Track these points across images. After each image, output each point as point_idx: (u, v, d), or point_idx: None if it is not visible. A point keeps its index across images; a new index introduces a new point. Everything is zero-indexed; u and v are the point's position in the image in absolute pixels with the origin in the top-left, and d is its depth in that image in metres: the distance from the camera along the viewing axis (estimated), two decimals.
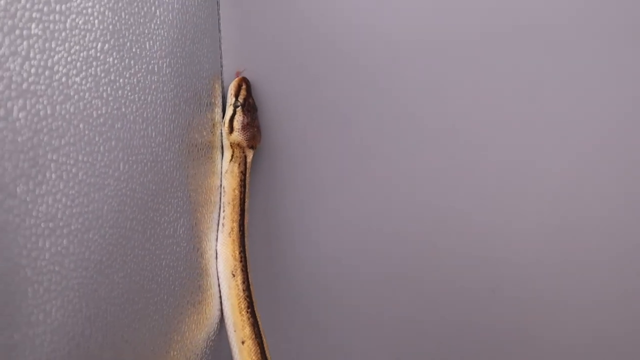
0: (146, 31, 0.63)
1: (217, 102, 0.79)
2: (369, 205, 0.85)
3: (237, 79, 0.78)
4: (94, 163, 0.55)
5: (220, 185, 0.77)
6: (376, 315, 0.89)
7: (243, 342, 0.74)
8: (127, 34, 0.60)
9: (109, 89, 0.57)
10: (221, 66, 0.81)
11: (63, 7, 0.51)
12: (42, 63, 0.49)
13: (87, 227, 0.54)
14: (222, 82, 0.81)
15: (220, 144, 0.79)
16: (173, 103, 0.68)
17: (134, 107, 0.61)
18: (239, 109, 0.77)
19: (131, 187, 0.60)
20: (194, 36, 0.72)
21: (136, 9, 0.62)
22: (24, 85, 0.47)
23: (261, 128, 0.80)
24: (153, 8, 0.64)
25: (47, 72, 0.50)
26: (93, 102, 0.55)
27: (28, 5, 0.47)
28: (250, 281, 0.76)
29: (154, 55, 0.65)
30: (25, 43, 0.48)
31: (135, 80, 0.61)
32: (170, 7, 0.67)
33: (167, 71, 0.67)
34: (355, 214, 0.85)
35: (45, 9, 0.49)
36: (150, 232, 0.64)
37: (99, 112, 0.56)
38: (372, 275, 0.87)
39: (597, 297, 0.86)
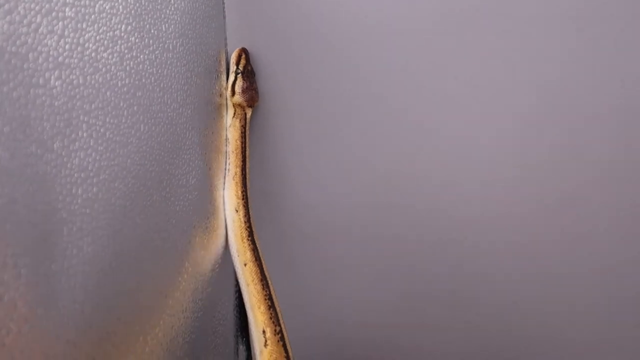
0: (162, 16, 0.62)
1: (223, 72, 0.78)
2: (354, 148, 0.84)
3: (237, 49, 0.77)
4: (119, 124, 0.54)
5: (226, 137, 0.77)
6: (364, 236, 0.87)
7: (245, 265, 0.75)
8: (146, 18, 0.59)
9: (131, 63, 0.57)
10: (226, 45, 0.79)
11: None
12: (75, 40, 0.48)
13: (113, 178, 0.53)
14: (226, 55, 0.79)
15: (226, 104, 0.79)
16: (185, 76, 0.67)
17: (153, 78, 0.60)
18: (239, 75, 0.76)
19: (150, 145, 0.60)
20: (202, 20, 0.71)
21: None
22: (60, 59, 0.47)
23: (258, 90, 0.79)
24: None
25: (79, 48, 0.49)
26: (118, 74, 0.54)
27: None
28: (250, 215, 0.77)
29: (169, 36, 0.64)
30: (60, 24, 0.47)
31: (153, 56, 0.60)
32: None
33: (180, 49, 0.66)
34: (342, 156, 0.84)
35: None
36: (167, 182, 0.63)
37: (123, 82, 0.55)
38: (360, 203, 0.86)
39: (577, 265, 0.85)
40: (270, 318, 0.73)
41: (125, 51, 0.56)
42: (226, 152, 0.77)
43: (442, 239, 0.86)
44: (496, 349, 0.89)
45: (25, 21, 0.43)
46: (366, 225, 0.87)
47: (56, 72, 0.46)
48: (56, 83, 0.46)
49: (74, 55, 0.48)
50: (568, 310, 0.86)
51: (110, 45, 0.53)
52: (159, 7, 0.61)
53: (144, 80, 0.59)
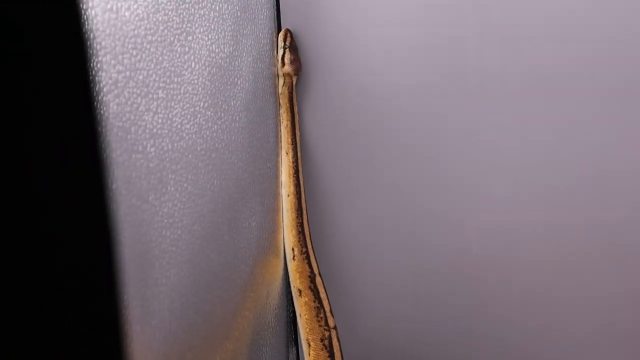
0: (231, 94, 0.64)
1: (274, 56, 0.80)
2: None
3: (283, 30, 0.79)
4: (198, 180, 0.56)
5: (278, 102, 0.79)
6: (397, 245, 0.84)
7: (288, 196, 0.77)
8: (219, 96, 0.61)
9: (207, 132, 0.59)
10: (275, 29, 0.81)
11: (179, 79, 0.53)
12: (165, 115, 0.50)
13: (193, 222, 0.55)
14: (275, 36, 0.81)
15: (277, 74, 0.80)
16: (248, 140, 0.69)
17: (223, 144, 0.62)
18: (287, 50, 0.78)
19: (221, 196, 0.61)
20: (262, 97, 0.73)
21: (225, 79, 0.63)
22: (154, 130, 0.49)
23: (301, 62, 0.81)
24: (236, 79, 0.65)
25: (168, 122, 0.51)
26: (197, 140, 0.56)
27: (157, 78, 0.49)
28: (298, 157, 0.78)
29: (236, 109, 0.66)
30: (155, 103, 0.49)
31: (224, 126, 0.62)
32: (247, 78, 0.68)
33: (244, 120, 0.68)
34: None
35: (168, 80, 0.51)
36: (234, 225, 0.64)
37: (201, 147, 0.57)
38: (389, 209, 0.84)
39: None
40: (299, 240, 0.76)
41: (203, 123, 0.58)
42: (280, 114, 0.79)
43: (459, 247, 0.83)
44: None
45: (129, 102, 0.45)
46: (400, 235, 0.84)
47: (151, 141, 0.48)
48: (151, 149, 0.48)
49: (165, 127, 0.50)
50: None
51: (192, 118, 0.55)
52: (228, 87, 0.64)
53: (216, 145, 0.60)
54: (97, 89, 0.41)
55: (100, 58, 0.42)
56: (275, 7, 0.79)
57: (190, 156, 0.55)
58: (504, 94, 0.76)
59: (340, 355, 0.73)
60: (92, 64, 0.39)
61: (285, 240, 0.77)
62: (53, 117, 0.34)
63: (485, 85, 0.76)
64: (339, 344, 0.73)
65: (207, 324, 0.58)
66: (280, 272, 0.78)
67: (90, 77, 0.39)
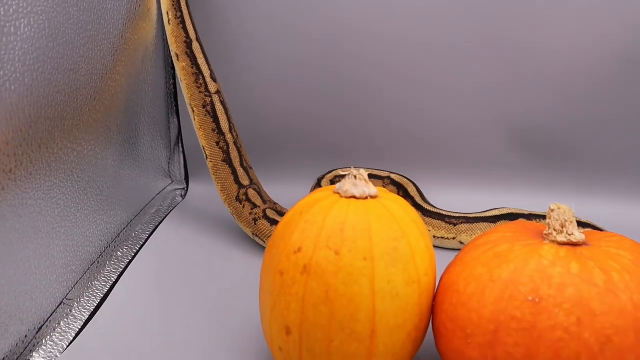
0: None
1: None
2: None
3: None
4: None
5: None
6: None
7: None
8: None
9: None
10: None
11: None
12: None
13: None
14: None
15: None
16: None
17: None
18: None
19: None
20: None
21: None
22: None
23: None
24: None
25: None
26: None
27: None
28: None
29: None
30: None
31: None
32: None
33: None
34: None
35: None
36: None
37: None
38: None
39: None
40: (173, 4, 0.71)
41: None
42: None
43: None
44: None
45: None
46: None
47: None
48: None
49: None
50: None
51: None
52: None
53: None
54: None
55: None
56: None
57: None
58: None
59: (226, 119, 0.71)
60: None
61: (162, 5, 0.71)
62: None
63: None
64: (224, 108, 0.71)
65: (71, 81, 0.56)
66: (154, 38, 0.74)
67: None
